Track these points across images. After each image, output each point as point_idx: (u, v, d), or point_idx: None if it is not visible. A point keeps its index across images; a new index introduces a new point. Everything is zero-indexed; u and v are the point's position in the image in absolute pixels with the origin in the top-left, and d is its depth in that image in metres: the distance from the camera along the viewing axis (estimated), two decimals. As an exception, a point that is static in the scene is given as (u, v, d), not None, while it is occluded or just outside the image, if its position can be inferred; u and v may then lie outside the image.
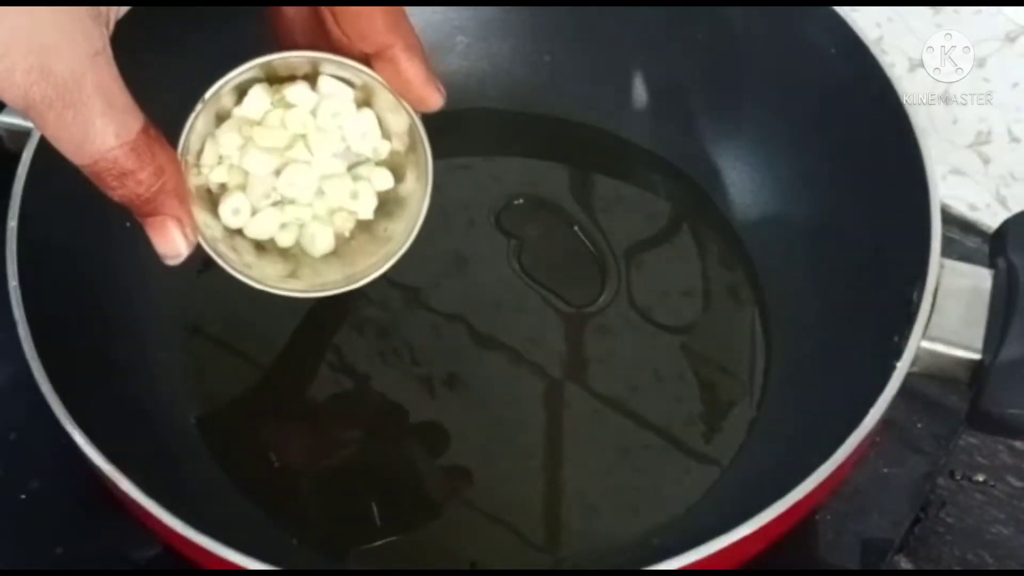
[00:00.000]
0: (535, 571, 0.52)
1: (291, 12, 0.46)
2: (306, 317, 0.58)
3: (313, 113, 0.46)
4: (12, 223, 0.50)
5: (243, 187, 0.47)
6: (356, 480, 0.53)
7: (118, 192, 0.42)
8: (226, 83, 0.45)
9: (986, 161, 0.67)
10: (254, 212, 0.47)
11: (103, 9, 0.39)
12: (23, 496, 0.54)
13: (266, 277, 0.48)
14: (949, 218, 0.63)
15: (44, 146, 0.51)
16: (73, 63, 0.38)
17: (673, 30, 0.60)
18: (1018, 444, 0.57)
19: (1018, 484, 0.56)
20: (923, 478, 0.55)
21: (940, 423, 0.56)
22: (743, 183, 0.61)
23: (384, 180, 0.48)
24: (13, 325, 0.47)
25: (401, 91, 0.46)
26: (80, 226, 0.53)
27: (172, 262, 0.45)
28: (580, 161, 0.63)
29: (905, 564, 0.54)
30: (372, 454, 0.54)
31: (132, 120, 0.41)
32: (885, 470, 0.55)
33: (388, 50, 0.45)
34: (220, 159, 0.46)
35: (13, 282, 0.48)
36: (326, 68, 0.46)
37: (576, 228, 0.61)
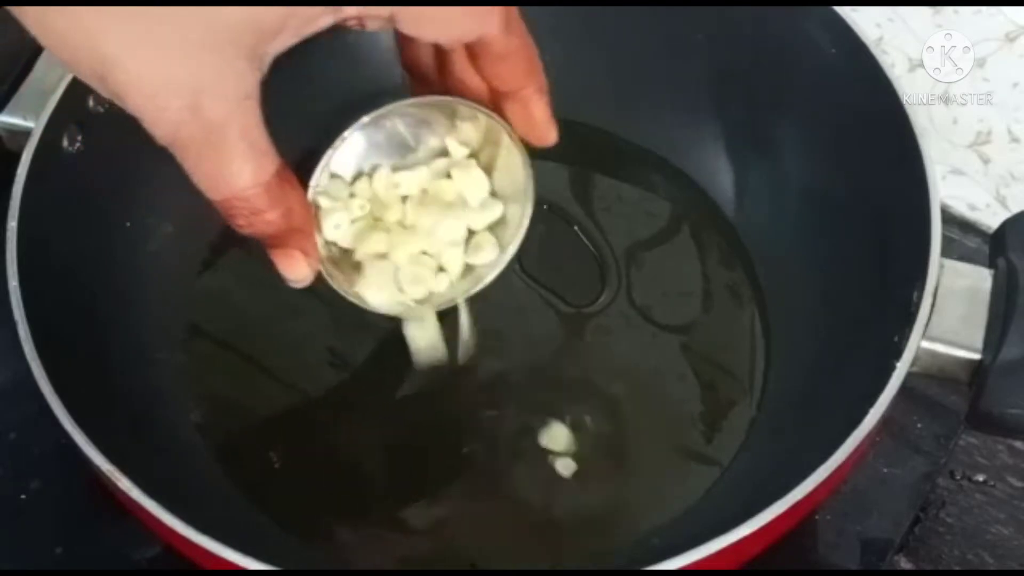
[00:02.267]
0: (535, 571, 0.52)
1: (421, 51, 0.47)
2: (306, 317, 0.58)
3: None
4: (12, 223, 0.50)
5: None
6: (356, 479, 0.53)
7: (246, 228, 0.43)
8: (360, 126, 0.47)
9: (986, 161, 0.67)
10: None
11: (259, 51, 0.39)
12: (23, 496, 0.54)
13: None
14: (949, 218, 0.64)
15: (44, 146, 0.52)
16: (223, 107, 0.39)
17: (673, 30, 0.60)
18: (1018, 444, 0.57)
19: (1018, 484, 0.56)
20: (923, 478, 0.55)
21: (940, 423, 0.56)
22: (743, 183, 0.61)
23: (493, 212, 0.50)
24: (13, 325, 0.47)
25: (525, 129, 0.47)
26: (80, 226, 0.54)
27: (296, 285, 0.46)
28: (580, 161, 0.63)
29: (905, 564, 0.54)
30: (373, 453, 0.54)
31: (269, 163, 0.41)
32: (885, 470, 0.55)
33: (522, 91, 0.45)
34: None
35: (13, 282, 0.48)
36: (457, 112, 0.48)
37: (576, 228, 0.61)
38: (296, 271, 0.45)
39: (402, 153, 0.49)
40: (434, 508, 0.53)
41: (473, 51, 0.44)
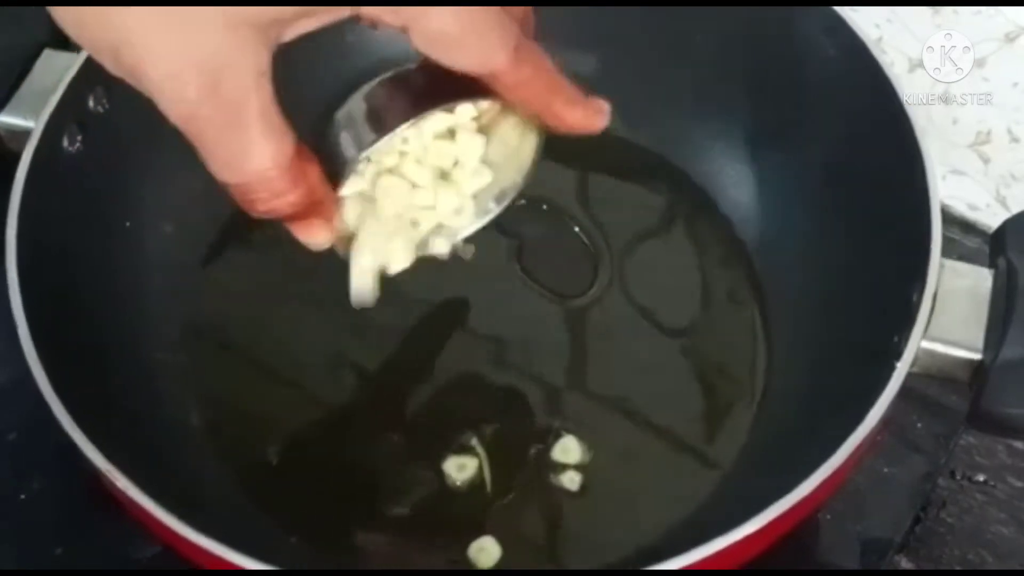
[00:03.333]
0: (535, 571, 0.52)
1: None
2: (307, 317, 0.58)
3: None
4: (12, 223, 0.50)
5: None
6: (357, 478, 0.53)
7: (266, 212, 0.42)
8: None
9: (986, 161, 0.67)
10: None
11: (271, 31, 0.39)
12: (23, 496, 0.54)
13: None
14: (949, 218, 0.64)
15: (44, 146, 0.52)
16: (242, 84, 0.38)
17: (672, 30, 0.60)
18: (1018, 444, 0.57)
19: (1018, 484, 0.56)
20: (923, 478, 0.56)
21: (940, 423, 0.56)
22: (743, 183, 0.61)
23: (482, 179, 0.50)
24: (13, 325, 0.47)
25: (567, 131, 0.46)
26: (80, 226, 0.54)
27: (315, 248, 0.46)
28: (580, 161, 0.63)
29: (905, 564, 0.54)
30: (374, 453, 0.54)
31: (287, 141, 0.41)
32: (885, 470, 0.55)
33: (549, 108, 0.45)
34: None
35: (13, 282, 0.48)
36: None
37: (576, 228, 0.61)
38: (316, 237, 0.45)
39: None
40: (437, 507, 0.53)
41: (495, 82, 0.43)
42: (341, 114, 0.46)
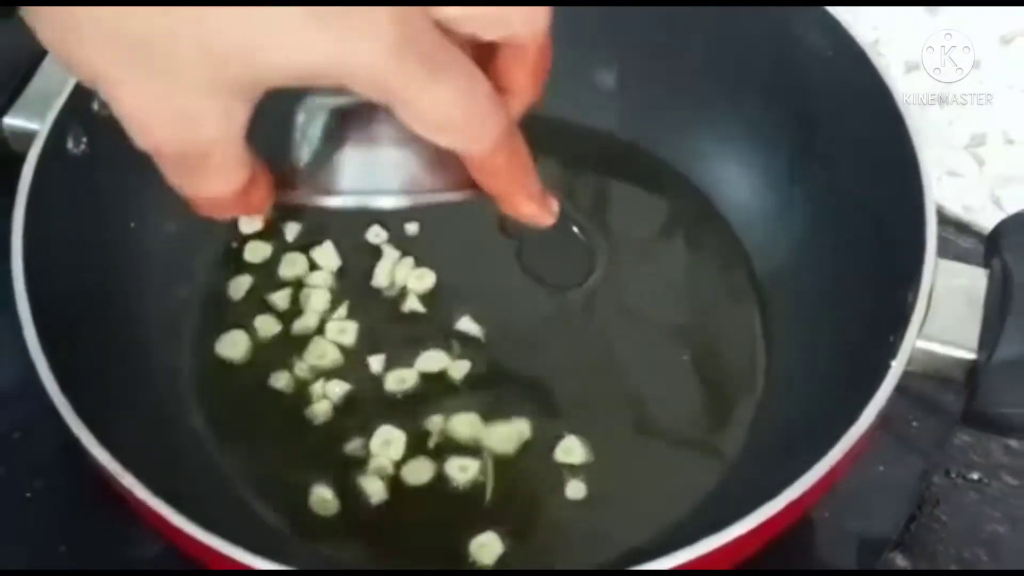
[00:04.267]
0: (536, 571, 0.52)
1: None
2: (309, 316, 0.58)
3: None
4: (18, 224, 0.50)
5: None
6: (357, 478, 0.53)
7: (201, 210, 0.41)
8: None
9: (981, 163, 0.67)
10: None
11: (256, 91, 0.37)
12: (27, 495, 0.54)
13: None
14: (944, 219, 0.64)
15: (49, 148, 0.52)
16: (211, 136, 0.38)
17: (671, 31, 0.61)
18: (1013, 442, 0.57)
19: (1013, 482, 0.56)
20: (919, 476, 0.56)
21: (936, 422, 0.56)
22: (742, 183, 0.61)
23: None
24: (18, 325, 0.47)
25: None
26: (85, 227, 0.54)
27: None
28: (580, 161, 0.63)
29: (901, 562, 0.54)
30: (373, 452, 0.54)
31: (244, 172, 0.40)
32: (881, 468, 0.55)
33: (509, 197, 0.43)
34: None
35: (19, 283, 0.48)
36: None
37: (575, 229, 0.61)
38: (251, 218, 0.43)
39: None
40: (437, 507, 0.53)
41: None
42: (310, 129, 0.42)
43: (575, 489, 0.53)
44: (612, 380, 0.56)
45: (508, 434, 0.54)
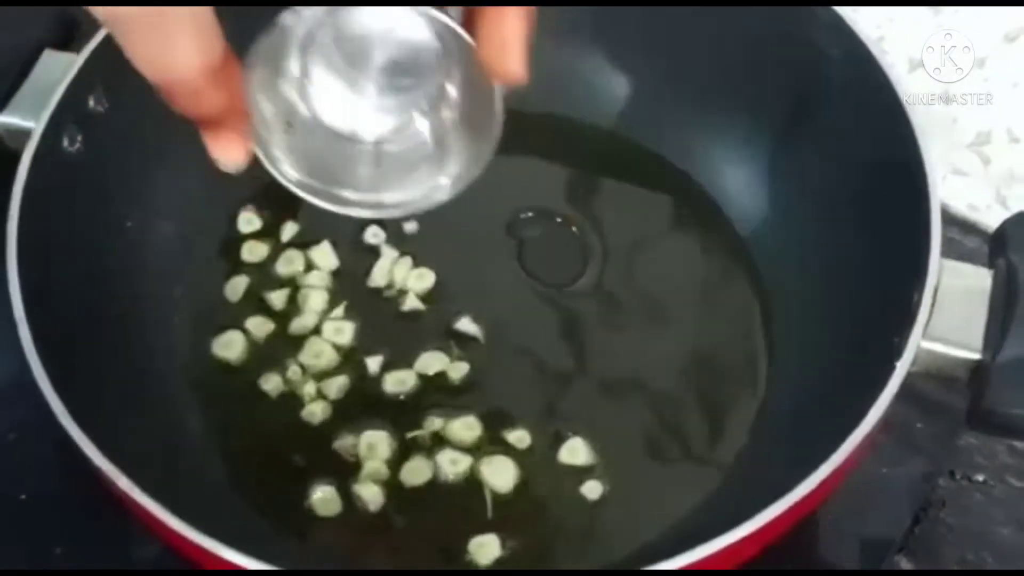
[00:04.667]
0: (535, 571, 0.52)
1: None
2: (310, 316, 0.58)
3: None
4: (12, 223, 0.50)
5: None
6: (356, 478, 0.53)
7: (186, 109, 0.40)
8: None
9: (986, 161, 0.67)
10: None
11: None
12: (23, 496, 0.54)
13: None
14: (949, 218, 0.63)
15: (44, 146, 0.52)
16: None
17: (674, 31, 0.60)
18: (1018, 444, 0.57)
19: (1018, 484, 0.56)
20: (923, 478, 0.55)
21: (940, 423, 0.56)
22: (744, 183, 0.61)
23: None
24: (13, 325, 0.47)
25: (490, 56, 0.43)
26: (80, 226, 0.54)
27: (230, 169, 0.43)
28: (581, 161, 0.63)
29: (905, 564, 0.54)
30: (364, 456, 0.54)
31: (217, 43, 0.39)
32: (885, 470, 0.55)
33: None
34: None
35: (13, 282, 0.48)
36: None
37: (576, 229, 0.61)
38: (229, 153, 0.42)
39: None
40: (437, 508, 0.53)
41: None
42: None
43: (580, 490, 0.53)
44: (613, 381, 0.56)
45: (504, 466, 0.53)
